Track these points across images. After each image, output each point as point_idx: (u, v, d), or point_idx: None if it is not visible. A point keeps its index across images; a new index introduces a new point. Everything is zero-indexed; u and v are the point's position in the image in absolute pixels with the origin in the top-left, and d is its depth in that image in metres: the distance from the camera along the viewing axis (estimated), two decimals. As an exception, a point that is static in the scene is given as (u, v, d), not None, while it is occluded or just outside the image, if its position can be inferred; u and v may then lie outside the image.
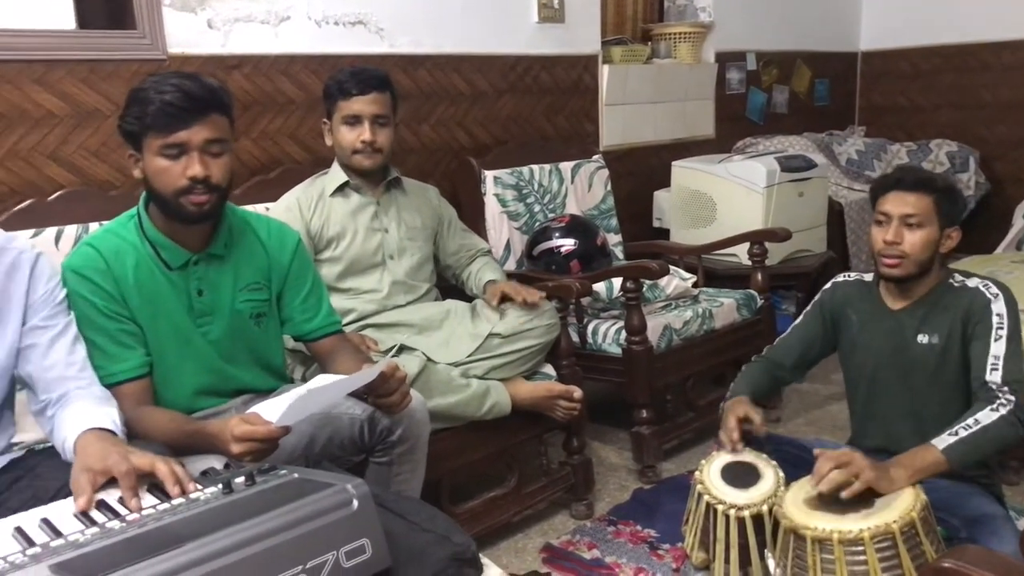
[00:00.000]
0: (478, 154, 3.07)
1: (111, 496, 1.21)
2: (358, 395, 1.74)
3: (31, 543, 1.07)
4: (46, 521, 1.15)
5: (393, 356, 2.20)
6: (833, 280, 2.08)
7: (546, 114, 3.43)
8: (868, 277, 2.01)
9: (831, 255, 3.74)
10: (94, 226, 2.12)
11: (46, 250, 2.01)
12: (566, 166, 3.24)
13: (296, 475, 1.15)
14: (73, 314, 1.60)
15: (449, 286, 2.63)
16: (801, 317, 2.10)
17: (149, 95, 1.61)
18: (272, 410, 1.47)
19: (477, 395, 2.20)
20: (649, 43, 3.99)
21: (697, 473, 1.88)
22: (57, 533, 1.10)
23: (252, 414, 1.48)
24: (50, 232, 2.09)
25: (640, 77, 3.78)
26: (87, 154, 2.30)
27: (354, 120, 2.30)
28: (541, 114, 3.41)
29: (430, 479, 1.97)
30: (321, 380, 1.62)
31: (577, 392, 2.37)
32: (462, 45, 3.09)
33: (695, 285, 3.06)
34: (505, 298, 2.37)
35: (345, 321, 2.17)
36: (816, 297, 2.08)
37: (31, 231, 2.06)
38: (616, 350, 2.67)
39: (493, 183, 2.99)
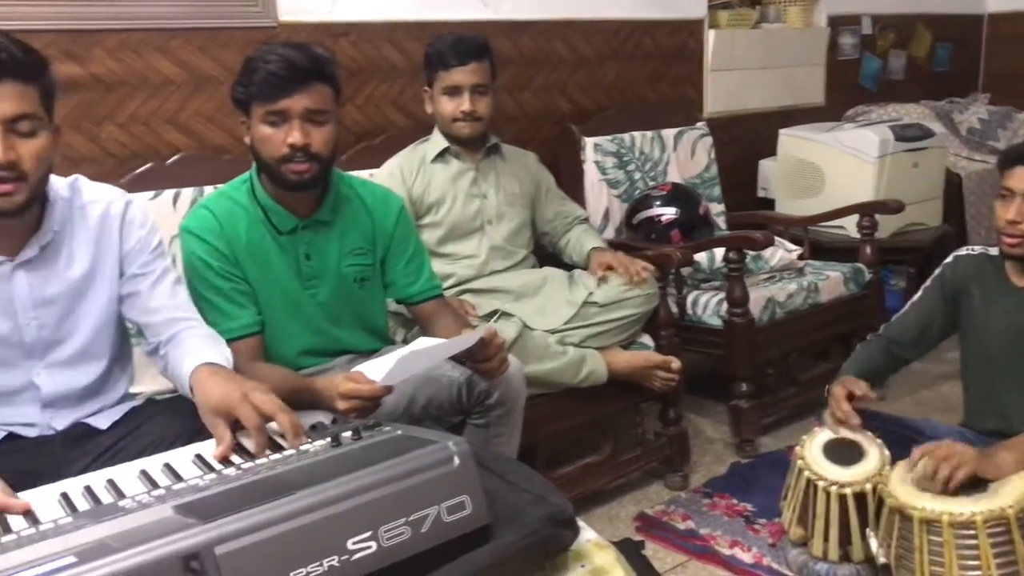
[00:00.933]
0: (579, 121, 3.04)
1: (243, 440, 1.27)
2: (457, 358, 1.76)
3: (155, 485, 1.14)
4: (168, 466, 1.21)
5: (491, 322, 2.22)
6: (955, 254, 1.99)
7: (649, 80, 3.37)
8: (993, 251, 1.90)
9: (947, 229, 3.57)
10: (208, 189, 2.21)
11: (163, 211, 2.12)
12: (668, 133, 3.18)
13: (400, 432, 1.17)
14: (170, 258, 1.63)
15: (547, 254, 2.63)
16: (920, 292, 2.02)
17: (256, 64, 1.67)
18: (376, 370, 1.51)
19: (573, 362, 2.21)
20: (757, 7, 3.86)
21: (798, 448, 1.85)
22: (178, 477, 1.16)
23: (357, 373, 1.53)
24: (168, 194, 2.19)
25: (747, 42, 3.67)
26: (202, 119, 2.39)
27: (454, 90, 2.32)
28: (644, 80, 3.35)
29: (526, 444, 1.99)
30: (422, 343, 1.65)
31: (676, 363, 2.35)
32: (566, 10, 3.06)
33: (801, 257, 2.97)
34: (609, 269, 2.36)
35: (444, 286, 2.20)
36: (936, 271, 2.00)
37: (151, 193, 2.16)
38: (716, 322, 2.63)
39: (593, 150, 2.97)
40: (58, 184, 1.49)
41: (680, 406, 2.52)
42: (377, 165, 2.47)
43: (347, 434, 1.18)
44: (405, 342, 2.21)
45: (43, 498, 1.13)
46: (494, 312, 2.23)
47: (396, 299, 1.99)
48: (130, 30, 2.24)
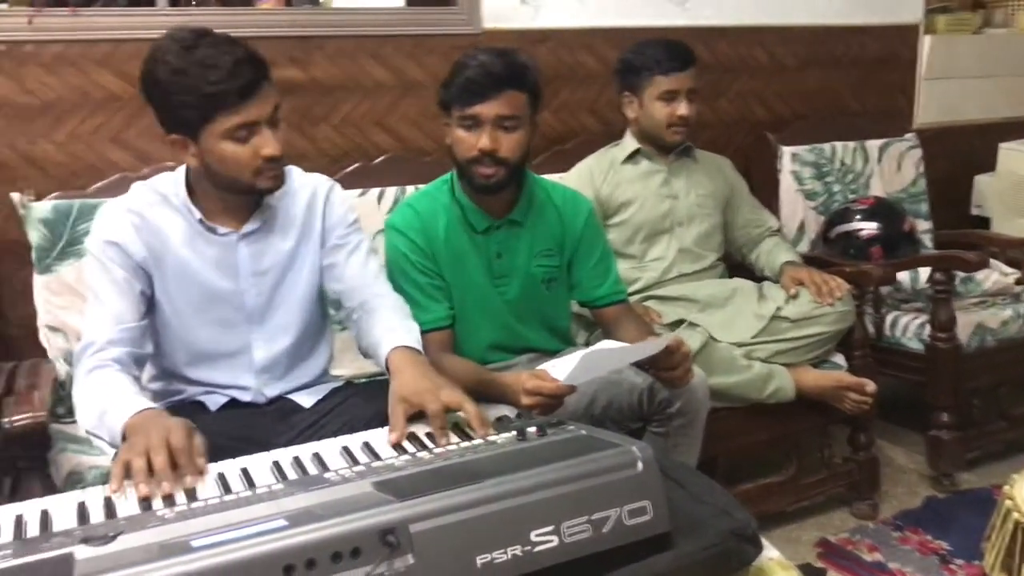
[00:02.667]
0: (776, 129, 2.95)
1: (420, 430, 1.33)
2: (640, 365, 1.76)
3: (356, 461, 1.22)
4: (367, 445, 1.29)
5: (675, 331, 2.20)
6: None
7: (853, 88, 3.21)
8: None
9: None
10: (410, 189, 2.33)
11: (368, 208, 2.25)
12: (873, 144, 3.02)
13: (584, 432, 1.19)
14: (365, 234, 1.74)
15: (735, 264, 2.57)
16: None
17: (460, 68, 1.74)
18: (561, 369, 1.54)
19: (759, 378, 2.15)
20: (980, 11, 3.58)
21: (1007, 488, 1.70)
22: (376, 456, 1.24)
23: (542, 371, 1.56)
24: (373, 192, 2.33)
25: (968, 48, 3.42)
26: (408, 122, 2.52)
27: (671, 96, 2.31)
28: (847, 88, 3.20)
29: (705, 456, 1.96)
30: (607, 345, 1.66)
31: (870, 386, 2.23)
32: (766, 16, 2.98)
33: (1018, 282, 2.73)
34: (801, 285, 2.28)
35: (630, 291, 2.20)
36: None
37: (358, 191, 2.30)
38: (917, 345, 2.47)
39: (790, 160, 2.87)
40: None
41: (872, 431, 2.39)
42: (567, 169, 2.49)
43: (532, 430, 1.21)
44: (587, 345, 2.23)
45: (258, 464, 1.24)
46: (679, 321, 2.21)
47: (580, 301, 2.01)
48: (347, 37, 2.40)
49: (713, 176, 2.47)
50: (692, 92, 2.32)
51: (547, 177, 2.43)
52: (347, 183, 2.31)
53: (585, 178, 2.38)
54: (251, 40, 1.52)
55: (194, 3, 2.26)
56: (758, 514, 2.19)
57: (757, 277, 2.47)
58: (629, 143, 2.41)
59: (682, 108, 2.30)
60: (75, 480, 1.69)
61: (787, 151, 2.87)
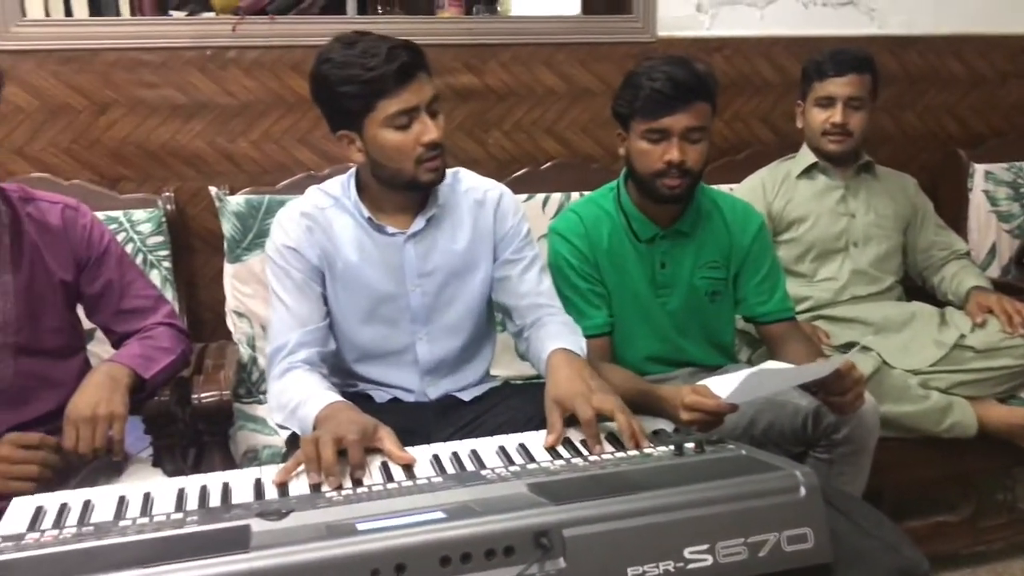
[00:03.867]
0: (968, 146, 2.76)
1: (576, 435, 1.34)
2: (806, 387, 1.69)
3: (511, 461, 1.24)
4: (523, 446, 1.31)
5: (844, 353, 2.10)
6: None
7: (1060, 104, 2.95)
8: None
9: None
10: (575, 195, 2.34)
11: (534, 213, 2.29)
12: (1079, 165, 2.76)
13: (744, 452, 1.16)
14: (538, 247, 1.75)
15: (915, 287, 2.42)
16: None
17: (641, 80, 1.72)
18: (723, 386, 1.50)
19: (936, 409, 2.01)
20: None
21: None
22: (531, 457, 1.26)
23: (703, 386, 1.53)
24: (539, 197, 2.36)
25: None
26: (576, 129, 2.54)
27: (827, 102, 2.23)
28: (1054, 104, 2.94)
29: (871, 487, 1.86)
30: (772, 365, 1.61)
31: (1067, 429, 2.04)
32: (963, 24, 2.78)
33: None
34: (990, 313, 2.13)
35: (798, 309, 2.12)
36: None
37: (524, 195, 2.34)
38: None
39: (983, 178, 2.67)
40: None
41: (1065, 477, 2.19)
42: (738, 180, 2.44)
43: (690, 445, 1.19)
44: (750, 362, 2.17)
45: (418, 456, 1.28)
46: (851, 344, 2.10)
47: (745, 317, 1.95)
48: (522, 45, 2.45)
49: (895, 195, 2.34)
50: (853, 100, 2.20)
51: (718, 188, 2.40)
52: (514, 188, 2.32)
53: (757, 191, 2.31)
54: (431, 48, 1.59)
55: (380, 11, 2.36)
56: (928, 553, 2.07)
57: (939, 302, 2.31)
58: (806, 156, 2.33)
59: (836, 115, 2.20)
60: (251, 457, 1.81)
61: (980, 169, 2.67)
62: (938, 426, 2.01)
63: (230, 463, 1.71)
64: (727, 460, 1.13)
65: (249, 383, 2.15)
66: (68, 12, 2.19)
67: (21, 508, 1.14)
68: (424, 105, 1.51)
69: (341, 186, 1.66)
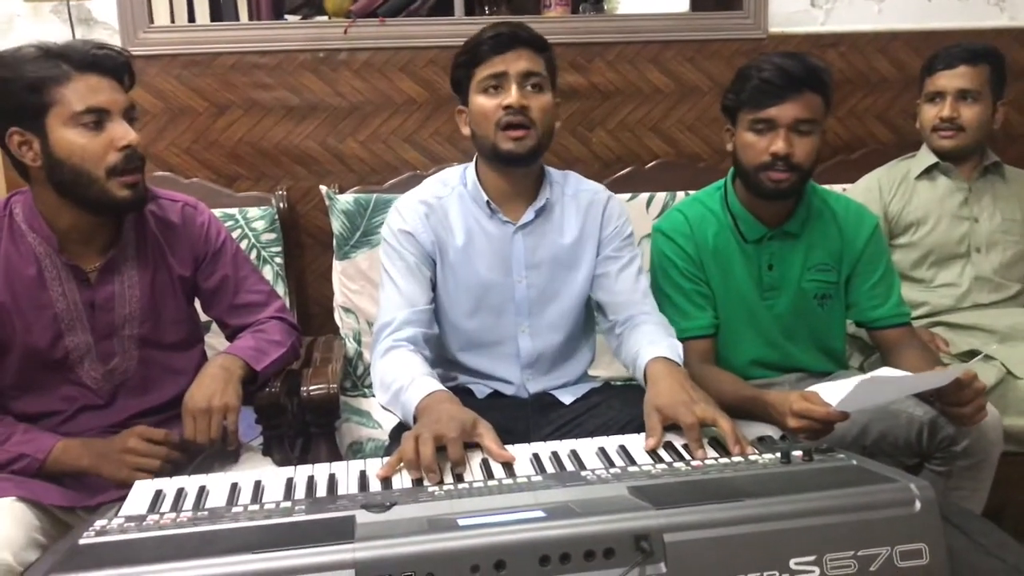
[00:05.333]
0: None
1: (677, 440, 1.32)
2: (923, 396, 1.62)
3: (611, 463, 1.23)
4: (623, 448, 1.30)
5: (964, 362, 2.00)
6: None
7: None
8: None
9: None
10: (680, 194, 2.31)
11: (637, 212, 2.27)
12: None
13: (855, 462, 1.12)
14: (638, 250, 1.75)
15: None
16: None
17: (750, 72, 1.69)
18: (833, 393, 1.45)
19: (1067, 424, 1.89)
20: None
21: None
22: (631, 460, 1.24)
23: (812, 393, 1.48)
24: (643, 196, 2.34)
25: None
26: (683, 127, 2.50)
27: (937, 96, 2.14)
28: None
29: (992, 504, 1.77)
30: (886, 372, 1.54)
31: None
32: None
33: None
34: None
35: (915, 315, 2.03)
36: None
37: (628, 195, 2.32)
38: None
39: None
40: (554, 172, 1.73)
41: None
42: (852, 180, 2.36)
43: (798, 453, 1.15)
44: (862, 369, 2.09)
45: (518, 454, 1.28)
46: (972, 352, 2.00)
47: (857, 322, 1.88)
48: (629, 43, 2.43)
49: None
50: (967, 93, 2.10)
51: (829, 187, 2.31)
52: (618, 187, 2.34)
53: (873, 192, 2.22)
54: None
55: (488, 11, 2.39)
56: (1055, 579, 1.96)
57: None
58: (926, 156, 2.22)
59: (945, 109, 2.11)
60: (355, 449, 1.86)
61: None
62: (1068, 442, 1.89)
63: (335, 455, 1.76)
64: (837, 470, 1.09)
65: (355, 377, 2.20)
66: (191, 18, 2.30)
67: (143, 491, 1.20)
68: (516, 74, 1.56)
69: (459, 175, 1.71)
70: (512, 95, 1.55)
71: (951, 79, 2.11)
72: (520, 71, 1.56)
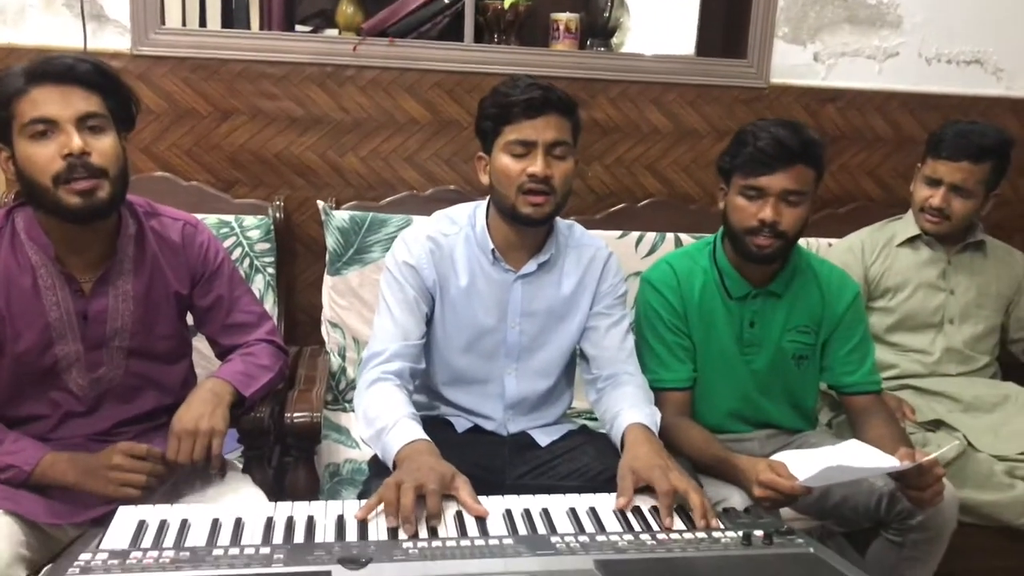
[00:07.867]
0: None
1: (645, 504, 1.36)
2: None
3: (581, 529, 1.27)
4: (592, 510, 1.34)
5: (929, 431, 2.06)
6: None
7: None
8: None
9: None
10: (670, 235, 2.35)
11: (626, 252, 2.31)
12: None
13: (812, 550, 1.17)
14: (629, 310, 1.81)
15: (1016, 364, 2.34)
16: None
17: (747, 139, 1.72)
18: (801, 466, 1.49)
19: (1020, 501, 1.94)
20: None
21: None
22: (601, 526, 1.29)
23: (780, 463, 1.53)
24: (633, 235, 2.38)
25: None
26: (678, 168, 2.54)
27: (932, 183, 2.15)
28: None
29: (942, 571, 1.82)
30: (854, 449, 1.59)
31: None
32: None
33: None
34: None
35: (885, 375, 2.07)
36: None
37: (618, 232, 2.36)
38: None
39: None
40: (560, 223, 1.76)
41: None
42: (839, 233, 2.40)
43: (759, 534, 1.20)
44: (830, 426, 2.15)
45: (491, 508, 1.31)
46: (936, 422, 2.06)
47: (829, 385, 1.93)
48: (633, 82, 2.46)
49: (1001, 274, 2.25)
50: (959, 188, 2.11)
51: (815, 241, 2.37)
52: (610, 223, 2.39)
53: (856, 252, 2.26)
54: (540, 79, 1.64)
55: (496, 41, 2.41)
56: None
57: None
58: (911, 223, 2.25)
59: (936, 198, 2.12)
60: (332, 472, 1.89)
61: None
62: (1020, 518, 1.95)
63: (313, 476, 1.79)
64: (795, 558, 1.15)
65: (336, 391, 2.24)
66: (203, 23, 2.31)
67: (126, 519, 1.24)
68: (543, 143, 1.58)
69: (468, 216, 1.74)
70: (538, 165, 1.57)
71: (951, 172, 2.10)
72: (548, 141, 1.58)
